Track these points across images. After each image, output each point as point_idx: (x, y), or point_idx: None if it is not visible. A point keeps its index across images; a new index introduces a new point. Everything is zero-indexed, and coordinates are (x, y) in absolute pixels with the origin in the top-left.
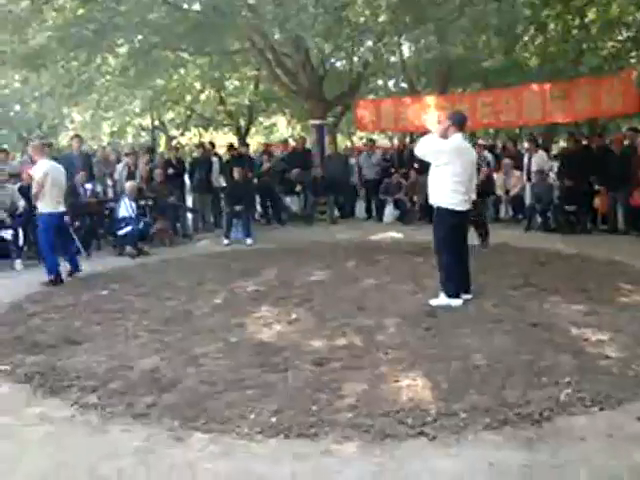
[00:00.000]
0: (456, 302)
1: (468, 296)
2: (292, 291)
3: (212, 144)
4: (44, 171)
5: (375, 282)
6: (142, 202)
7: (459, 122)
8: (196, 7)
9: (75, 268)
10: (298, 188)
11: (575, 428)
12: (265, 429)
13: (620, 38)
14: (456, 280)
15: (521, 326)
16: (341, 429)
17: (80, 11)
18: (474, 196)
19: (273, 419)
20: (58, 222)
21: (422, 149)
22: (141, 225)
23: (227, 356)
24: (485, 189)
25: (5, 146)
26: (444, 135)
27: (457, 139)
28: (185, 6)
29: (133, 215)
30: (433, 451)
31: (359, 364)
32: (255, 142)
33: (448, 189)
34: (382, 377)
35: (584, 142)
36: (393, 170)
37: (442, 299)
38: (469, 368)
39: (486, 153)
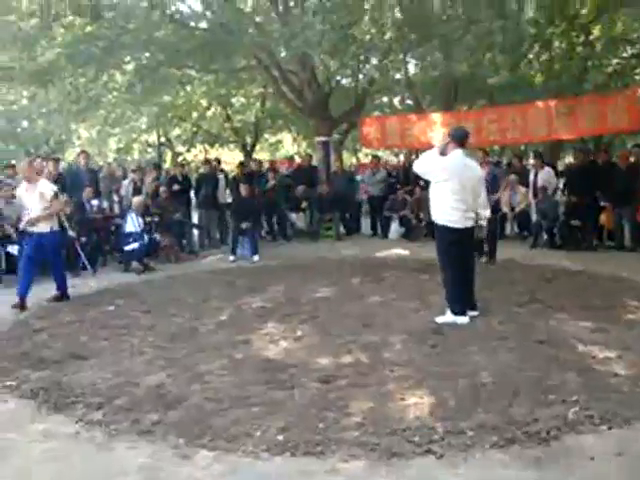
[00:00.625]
0: (462, 319)
1: (474, 313)
2: (298, 308)
3: (218, 161)
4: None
5: (381, 299)
6: (148, 218)
7: (459, 138)
8: (203, 25)
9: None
10: (304, 204)
11: (584, 447)
12: (271, 447)
13: (625, 55)
14: (462, 297)
15: (528, 343)
16: (348, 447)
17: (88, 28)
18: (487, 213)
19: (279, 437)
20: (62, 240)
21: (420, 166)
22: (146, 240)
23: (233, 373)
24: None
25: (13, 162)
26: (444, 151)
27: (456, 155)
28: (192, 24)
29: (139, 230)
30: (440, 470)
31: (365, 382)
32: (261, 159)
33: (447, 206)
34: (388, 395)
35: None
36: (398, 187)
37: (448, 316)
38: (476, 386)
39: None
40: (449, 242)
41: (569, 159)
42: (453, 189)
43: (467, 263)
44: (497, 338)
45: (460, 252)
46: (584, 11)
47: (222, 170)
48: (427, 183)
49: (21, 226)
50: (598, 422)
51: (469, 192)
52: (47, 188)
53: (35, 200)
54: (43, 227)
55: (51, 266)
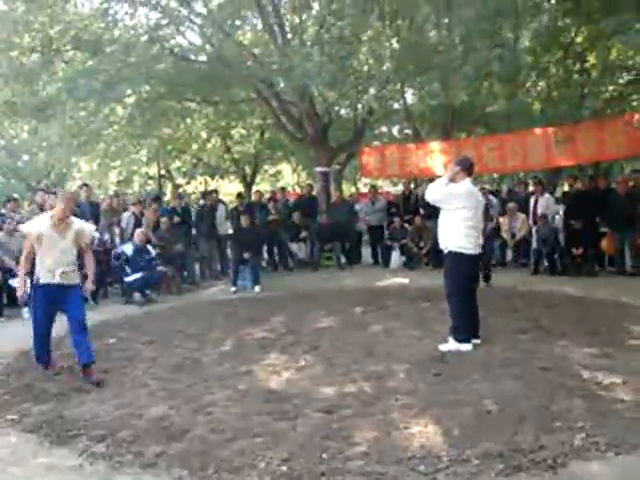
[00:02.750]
0: (465, 347)
1: (477, 341)
2: (300, 338)
3: (216, 192)
4: None
5: (383, 328)
6: (150, 250)
7: (467, 167)
8: (202, 58)
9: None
10: (304, 234)
11: (591, 474)
12: (275, 478)
13: (621, 81)
14: (467, 324)
15: (532, 370)
16: (352, 477)
17: (89, 63)
18: (481, 240)
19: (283, 467)
20: None
21: (434, 194)
22: (147, 273)
23: (236, 404)
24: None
25: (15, 196)
26: (454, 180)
27: (467, 183)
28: (192, 57)
29: (128, 256)
30: None
31: (369, 411)
32: (261, 189)
33: (460, 233)
34: (393, 424)
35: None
36: (398, 216)
37: (451, 344)
38: (480, 413)
39: (491, 197)
40: (461, 269)
41: (566, 186)
42: (466, 216)
43: (473, 290)
44: (501, 365)
45: (469, 279)
46: (579, 39)
47: (221, 201)
48: (430, 212)
49: (90, 285)
50: (604, 449)
51: (478, 220)
52: (87, 226)
53: (69, 242)
54: (76, 277)
55: (75, 330)
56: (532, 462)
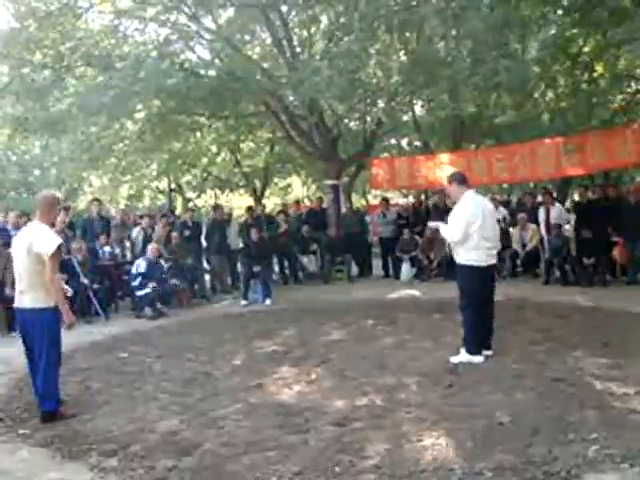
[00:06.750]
0: (477, 359)
1: (489, 352)
2: (311, 351)
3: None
4: None
5: (394, 340)
6: (160, 263)
7: (460, 179)
8: (212, 72)
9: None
10: (314, 247)
11: None
12: None
13: (629, 91)
14: (478, 336)
15: (544, 382)
16: None
17: (100, 78)
18: (499, 246)
19: None
20: None
21: (453, 234)
22: (159, 287)
23: (247, 418)
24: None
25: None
26: (456, 196)
27: (471, 196)
28: (201, 72)
29: (144, 272)
30: None
31: (381, 424)
32: (271, 203)
33: (471, 246)
34: (405, 436)
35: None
36: (408, 228)
37: (463, 356)
38: (493, 426)
39: (501, 208)
40: (475, 281)
41: (577, 196)
42: (478, 228)
43: (487, 302)
44: (513, 377)
45: (482, 291)
46: (587, 49)
47: (230, 215)
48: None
49: None
50: (619, 460)
51: (491, 228)
52: None
53: None
54: None
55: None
56: (546, 474)
